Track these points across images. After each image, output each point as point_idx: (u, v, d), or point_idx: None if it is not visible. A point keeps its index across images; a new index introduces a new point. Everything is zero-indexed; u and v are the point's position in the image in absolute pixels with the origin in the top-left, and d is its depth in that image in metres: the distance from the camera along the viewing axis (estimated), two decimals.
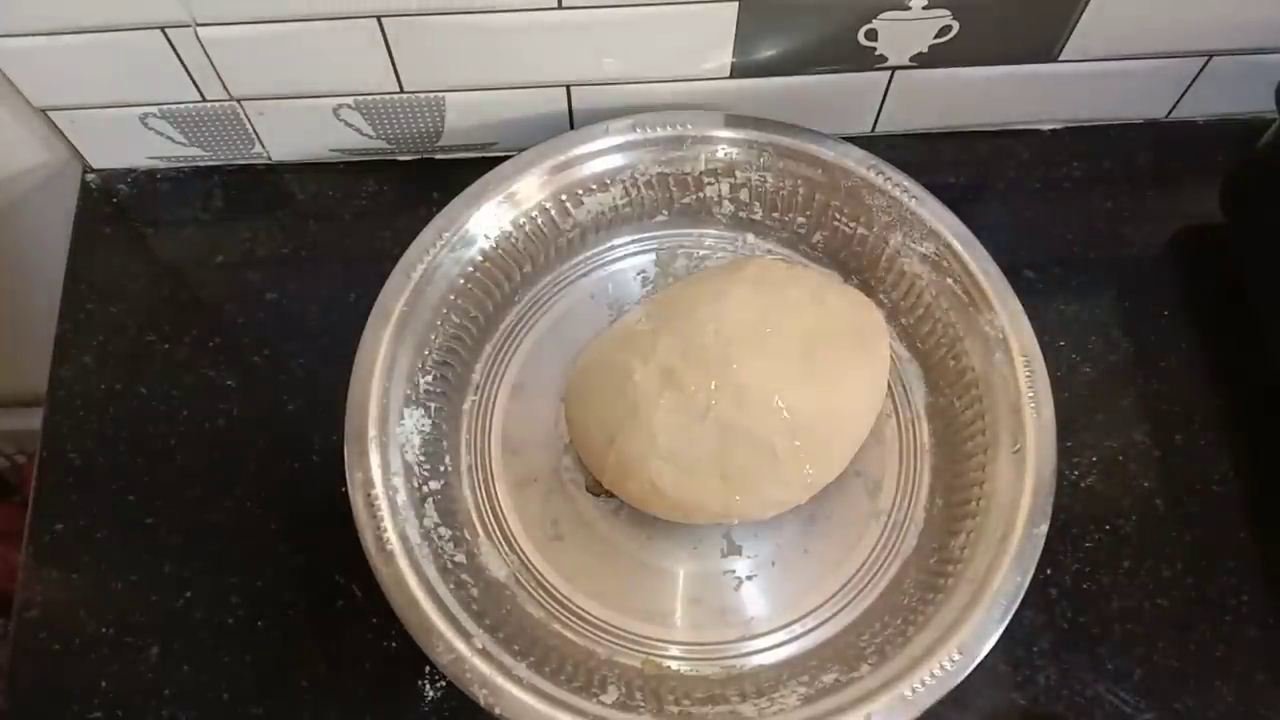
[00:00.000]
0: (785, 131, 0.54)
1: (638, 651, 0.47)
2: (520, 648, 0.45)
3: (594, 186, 0.55)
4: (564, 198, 0.54)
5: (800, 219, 0.56)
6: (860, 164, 0.53)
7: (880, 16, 0.52)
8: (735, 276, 0.50)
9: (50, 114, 0.56)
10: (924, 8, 0.52)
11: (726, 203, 0.56)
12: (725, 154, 0.55)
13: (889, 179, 0.53)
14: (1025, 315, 0.50)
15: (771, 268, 0.52)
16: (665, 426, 0.46)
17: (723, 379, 0.46)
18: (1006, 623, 0.43)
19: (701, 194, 0.56)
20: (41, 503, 0.52)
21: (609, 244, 0.57)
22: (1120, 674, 0.49)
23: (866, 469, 0.51)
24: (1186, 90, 0.60)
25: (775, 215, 0.56)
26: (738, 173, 0.55)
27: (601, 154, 0.54)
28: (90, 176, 0.60)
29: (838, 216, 0.55)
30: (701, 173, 0.55)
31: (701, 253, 0.57)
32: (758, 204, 0.56)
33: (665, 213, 0.57)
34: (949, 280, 0.52)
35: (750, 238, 0.57)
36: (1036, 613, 0.50)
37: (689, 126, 0.54)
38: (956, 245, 0.52)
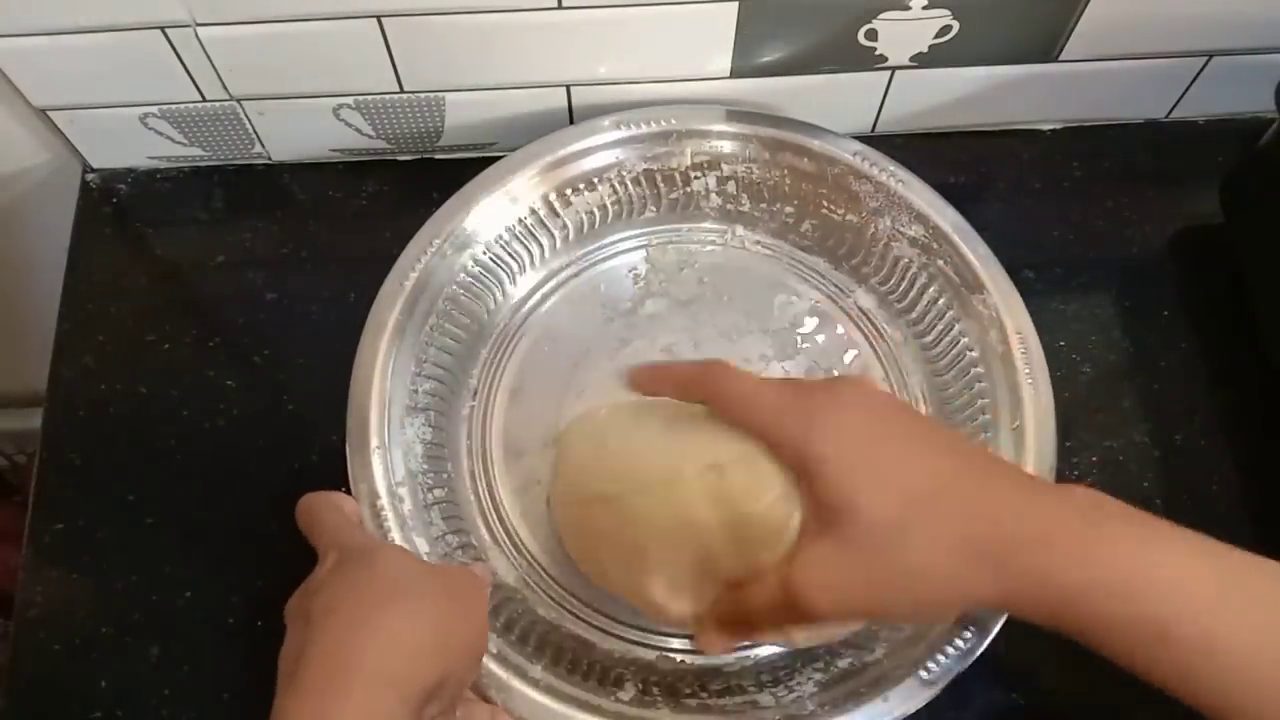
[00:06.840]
0: (771, 123, 0.55)
1: (651, 647, 0.47)
2: (534, 649, 0.45)
3: (581, 186, 0.54)
4: (552, 198, 0.54)
5: (789, 208, 0.56)
6: (846, 151, 0.54)
7: (880, 16, 0.52)
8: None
9: (50, 114, 0.56)
10: (924, 8, 0.52)
11: (714, 196, 0.56)
12: (712, 147, 0.55)
13: (875, 164, 0.53)
14: (1017, 292, 0.50)
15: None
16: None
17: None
18: None
19: (689, 188, 0.56)
20: (41, 503, 0.52)
21: (599, 243, 0.56)
22: (1120, 672, 0.49)
23: None
24: (1186, 90, 0.60)
25: (763, 206, 0.56)
26: (724, 165, 0.55)
27: (587, 153, 0.54)
28: (90, 176, 0.60)
29: (826, 204, 0.55)
30: (688, 167, 0.55)
31: (692, 247, 0.57)
32: (745, 196, 0.56)
33: (654, 209, 0.57)
34: (940, 262, 0.52)
35: (739, 229, 0.57)
36: None
37: (674, 121, 0.54)
38: (945, 227, 0.52)
